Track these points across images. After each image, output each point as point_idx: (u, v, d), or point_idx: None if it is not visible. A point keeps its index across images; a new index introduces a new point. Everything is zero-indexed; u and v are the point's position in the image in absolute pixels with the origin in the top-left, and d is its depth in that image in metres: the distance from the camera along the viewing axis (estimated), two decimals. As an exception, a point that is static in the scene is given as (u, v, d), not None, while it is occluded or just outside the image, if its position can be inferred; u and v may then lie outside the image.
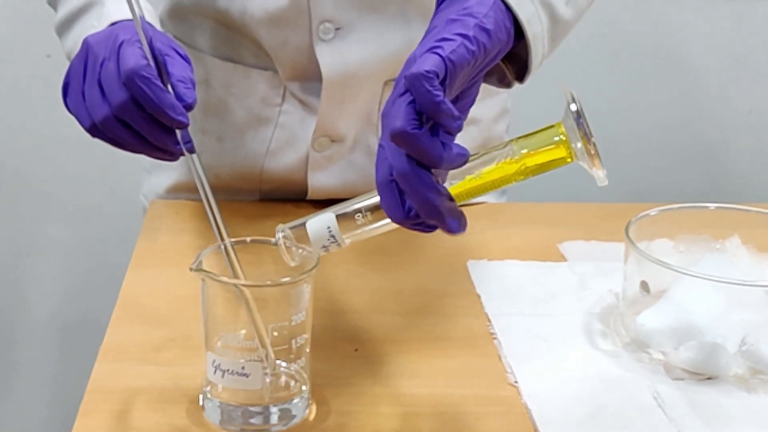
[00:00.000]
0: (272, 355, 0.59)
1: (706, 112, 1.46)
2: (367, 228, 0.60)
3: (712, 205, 0.77)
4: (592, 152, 0.57)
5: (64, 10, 0.77)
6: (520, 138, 0.59)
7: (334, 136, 0.88)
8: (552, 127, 0.59)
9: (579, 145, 0.57)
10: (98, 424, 0.61)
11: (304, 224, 0.60)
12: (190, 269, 0.59)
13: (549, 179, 1.64)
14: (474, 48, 0.57)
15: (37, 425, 1.54)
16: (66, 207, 1.46)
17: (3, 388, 1.53)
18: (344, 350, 0.69)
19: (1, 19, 1.39)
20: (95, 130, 0.65)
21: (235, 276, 0.61)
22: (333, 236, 0.60)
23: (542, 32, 0.65)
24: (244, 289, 0.59)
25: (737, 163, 1.49)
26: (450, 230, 0.57)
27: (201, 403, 0.62)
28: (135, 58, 0.62)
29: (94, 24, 0.70)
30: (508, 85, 0.66)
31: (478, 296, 0.77)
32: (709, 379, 0.67)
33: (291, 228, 0.61)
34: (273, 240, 0.62)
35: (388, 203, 0.57)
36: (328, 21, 0.83)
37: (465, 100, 0.59)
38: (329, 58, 0.84)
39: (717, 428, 0.62)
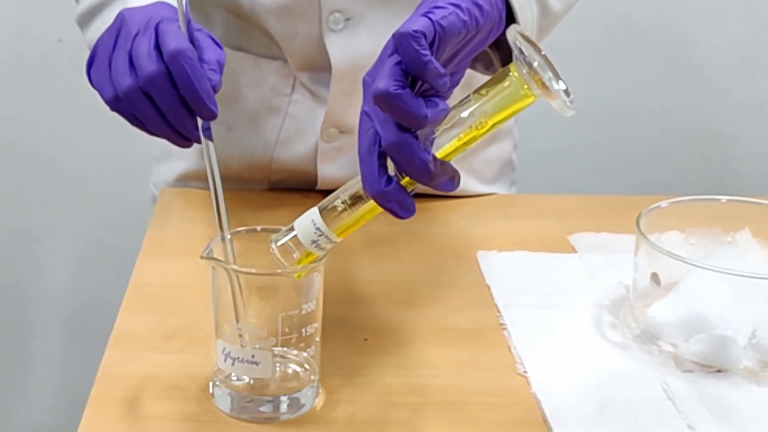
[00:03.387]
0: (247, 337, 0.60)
1: (717, 105, 1.46)
2: (348, 215, 0.59)
3: (724, 198, 0.77)
4: (543, 83, 0.55)
5: (86, 2, 0.76)
6: (481, 96, 0.58)
7: (343, 127, 0.88)
8: (506, 76, 0.57)
9: (525, 71, 0.56)
10: (108, 412, 0.61)
11: (293, 227, 0.60)
12: (201, 257, 0.59)
13: (560, 172, 1.64)
14: (466, 18, 0.57)
15: (47, 412, 1.55)
16: (76, 195, 1.47)
17: (13, 375, 1.54)
18: (354, 340, 0.69)
19: (13, 5, 1.39)
20: (116, 102, 0.64)
21: (228, 260, 0.60)
22: (319, 229, 0.59)
23: (532, 22, 0.65)
24: (232, 273, 0.59)
25: (748, 157, 1.48)
26: (446, 190, 0.57)
27: (211, 391, 0.63)
28: (180, 38, 0.62)
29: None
30: (494, 73, 0.66)
31: (488, 287, 0.77)
32: (719, 371, 0.66)
33: (284, 234, 0.60)
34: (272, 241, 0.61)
35: (367, 174, 0.56)
36: (338, 11, 0.83)
37: (451, 79, 0.59)
38: (339, 48, 0.84)
39: (726, 421, 0.62)
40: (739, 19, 1.42)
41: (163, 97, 0.62)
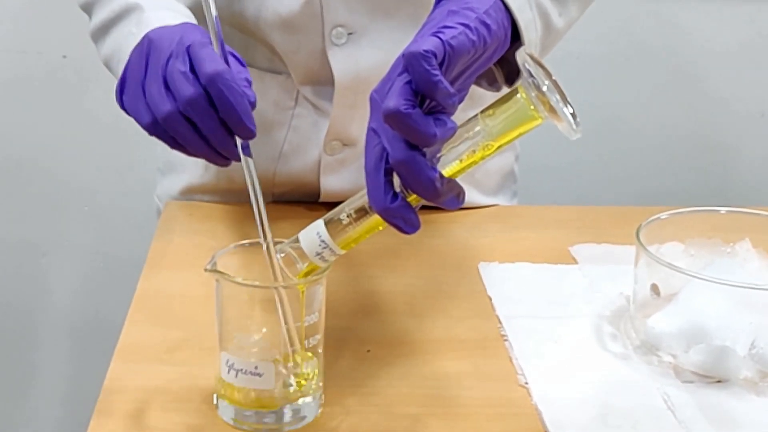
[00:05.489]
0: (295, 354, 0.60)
1: (717, 114, 1.46)
2: (353, 228, 0.59)
3: (723, 209, 0.77)
4: (550, 106, 0.56)
5: (100, 17, 0.76)
6: (488, 116, 0.58)
7: (346, 140, 0.88)
8: (514, 97, 0.58)
9: (534, 94, 0.56)
10: (113, 423, 0.62)
11: (297, 238, 0.61)
12: (205, 270, 0.60)
13: (561, 183, 1.64)
14: (474, 38, 0.57)
15: (52, 424, 1.55)
16: (81, 208, 1.48)
17: (19, 387, 1.54)
18: (357, 351, 0.70)
19: (18, 21, 1.40)
20: (155, 126, 0.64)
21: (275, 278, 0.61)
22: (323, 241, 0.60)
23: (536, 39, 0.66)
24: (281, 290, 0.59)
25: (749, 167, 1.48)
26: (450, 207, 0.58)
27: (215, 402, 0.63)
28: (216, 60, 0.62)
29: (132, 30, 0.69)
30: (498, 89, 0.67)
31: (490, 298, 0.77)
32: (718, 382, 0.67)
33: (289, 245, 0.61)
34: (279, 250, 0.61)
35: (374, 190, 0.57)
36: (341, 26, 0.84)
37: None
38: (342, 62, 0.84)
39: (726, 431, 0.63)
40: (739, 28, 1.43)
41: (203, 119, 0.62)
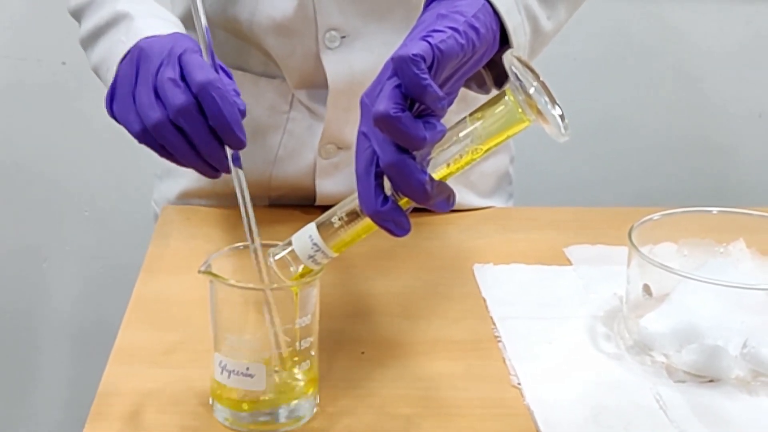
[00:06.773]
0: (281, 354, 0.60)
1: (715, 115, 1.47)
2: (344, 231, 0.60)
3: (715, 210, 0.77)
4: (538, 109, 0.56)
5: (89, 24, 0.76)
6: (476, 119, 0.59)
7: (341, 143, 0.89)
8: (502, 100, 0.58)
9: (521, 97, 0.57)
10: (109, 426, 0.62)
11: (290, 241, 0.61)
12: (199, 272, 0.61)
13: (557, 184, 1.64)
14: (463, 42, 0.58)
15: (52, 426, 1.56)
16: (81, 213, 1.48)
17: (19, 389, 1.55)
18: (351, 353, 0.70)
19: (17, 28, 1.40)
20: (144, 135, 0.64)
21: (262, 281, 0.61)
22: (316, 244, 0.60)
23: (525, 42, 0.66)
24: (268, 292, 0.60)
25: (747, 167, 1.49)
26: (441, 210, 0.59)
27: (210, 403, 0.64)
28: (206, 69, 0.62)
29: (122, 39, 0.69)
30: (488, 92, 0.67)
31: (484, 300, 0.78)
32: (710, 381, 0.67)
33: (282, 248, 0.61)
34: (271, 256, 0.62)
35: (364, 193, 0.57)
36: (334, 29, 0.84)
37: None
38: (335, 66, 0.85)
39: (718, 430, 0.63)
40: (736, 28, 1.43)
41: (193, 128, 0.62)
